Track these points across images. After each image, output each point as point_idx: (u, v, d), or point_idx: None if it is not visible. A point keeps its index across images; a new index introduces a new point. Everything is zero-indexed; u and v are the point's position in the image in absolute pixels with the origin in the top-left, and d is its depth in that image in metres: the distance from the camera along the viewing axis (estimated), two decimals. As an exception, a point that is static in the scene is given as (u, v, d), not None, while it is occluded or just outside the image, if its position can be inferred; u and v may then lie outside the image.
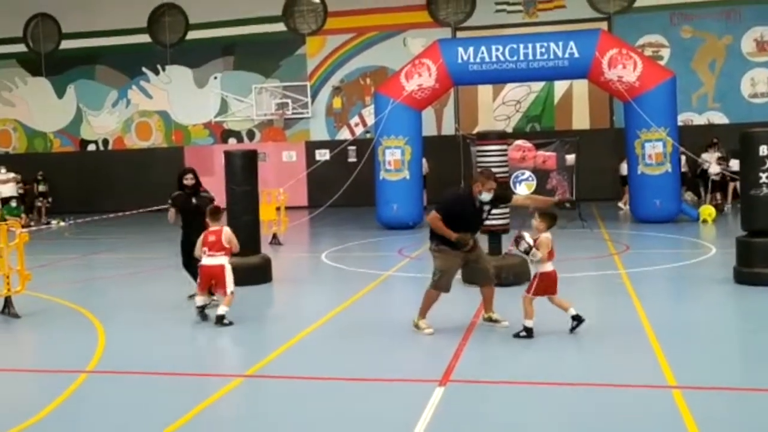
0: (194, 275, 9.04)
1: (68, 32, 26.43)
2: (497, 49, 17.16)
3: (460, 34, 23.35)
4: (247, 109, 25.18)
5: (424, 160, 18.78)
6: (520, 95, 23.67)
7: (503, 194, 7.76)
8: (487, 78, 18.28)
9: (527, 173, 16.59)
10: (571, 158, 16.68)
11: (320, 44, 24.88)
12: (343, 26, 24.55)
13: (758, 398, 5.58)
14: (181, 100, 25.80)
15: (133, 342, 7.92)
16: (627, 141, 17.27)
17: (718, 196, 19.61)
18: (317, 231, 18.69)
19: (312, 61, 24.94)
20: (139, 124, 26.34)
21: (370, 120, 22.16)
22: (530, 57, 17.03)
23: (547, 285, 7.23)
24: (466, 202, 7.50)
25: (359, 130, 24.37)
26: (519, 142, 16.96)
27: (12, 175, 21.96)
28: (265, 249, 12.25)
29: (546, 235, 7.22)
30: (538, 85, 23.15)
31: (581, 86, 22.47)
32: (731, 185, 19.43)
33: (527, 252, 7.26)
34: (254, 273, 10.79)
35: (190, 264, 9.32)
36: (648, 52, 22.09)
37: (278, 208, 15.62)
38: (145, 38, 25.88)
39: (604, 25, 22.13)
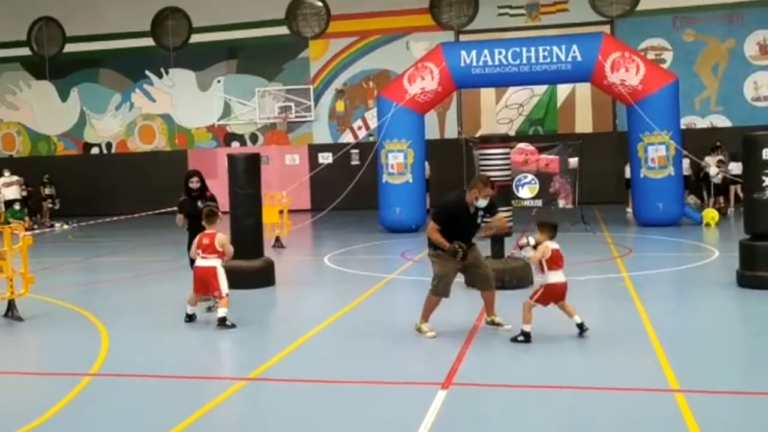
0: None
1: (72, 36, 26.50)
2: (500, 53, 17.17)
3: (462, 38, 23.36)
4: (250, 113, 25.22)
5: (426, 164, 18.78)
6: (522, 98, 23.68)
7: (493, 203, 7.74)
8: (489, 81, 18.29)
9: (530, 177, 16.59)
10: (573, 161, 16.68)
11: (323, 47, 24.92)
12: (346, 30, 24.59)
13: (761, 402, 5.58)
14: (185, 104, 25.85)
15: (136, 345, 7.93)
16: (630, 144, 17.26)
17: (721, 199, 19.60)
18: (320, 234, 18.70)
19: (315, 65, 24.98)
20: (142, 127, 26.40)
21: (373, 123, 22.18)
22: (533, 60, 17.05)
23: (551, 296, 7.24)
24: (462, 210, 7.51)
25: (362, 134, 24.38)
26: (522, 145, 16.96)
27: (16, 178, 22.00)
28: (268, 252, 12.25)
29: (548, 243, 7.23)
30: (540, 89, 23.15)
31: (584, 90, 22.48)
32: (732, 188, 19.41)
33: (522, 247, 7.32)
34: (257, 276, 10.80)
35: None
36: (651, 55, 22.09)
37: (281, 211, 15.62)
38: (148, 42, 25.94)
39: (606, 29, 22.14)
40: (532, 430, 5.17)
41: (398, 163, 17.49)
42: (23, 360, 7.88)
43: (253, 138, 25.62)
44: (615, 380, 6.12)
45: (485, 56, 17.22)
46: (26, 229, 10.82)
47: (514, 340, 7.25)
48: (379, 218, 17.98)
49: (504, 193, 10.12)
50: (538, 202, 16.68)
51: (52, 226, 21.90)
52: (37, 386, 6.76)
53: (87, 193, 25.45)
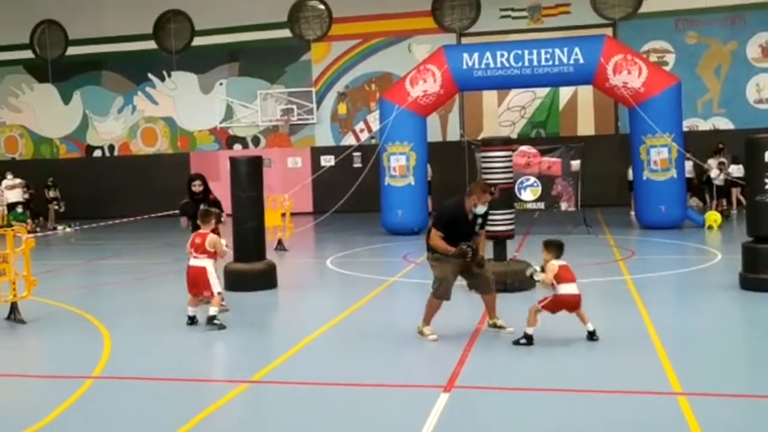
0: None
1: (74, 39, 26.55)
2: (502, 55, 17.18)
3: (465, 40, 23.36)
4: (252, 115, 25.24)
5: (428, 166, 18.78)
6: (525, 101, 23.68)
7: (486, 212, 7.74)
8: (491, 84, 18.29)
9: (532, 179, 16.58)
10: (576, 164, 16.67)
11: (325, 50, 24.94)
12: (348, 32, 24.61)
13: (764, 405, 5.57)
14: (187, 106, 25.88)
15: (138, 348, 7.94)
16: (632, 147, 17.25)
17: (724, 201, 19.57)
18: (322, 237, 18.70)
19: (317, 67, 25.00)
20: (144, 130, 26.43)
21: (375, 126, 22.19)
22: (535, 63, 17.05)
23: (560, 306, 7.22)
24: (461, 216, 7.52)
25: (364, 136, 24.40)
26: (524, 148, 16.95)
27: (18, 180, 22.02)
28: (270, 255, 12.26)
29: (554, 262, 7.24)
30: (543, 91, 23.16)
31: (586, 92, 22.47)
32: (733, 191, 19.39)
33: (531, 276, 7.40)
34: (259, 279, 10.81)
35: None
36: (653, 57, 22.08)
37: (283, 214, 15.63)
38: (151, 45, 25.98)
39: (609, 31, 22.14)
40: (534, 433, 5.16)
41: (400, 165, 17.50)
42: (26, 363, 7.89)
43: (256, 141, 25.64)
44: (617, 383, 6.11)
45: (487, 59, 17.22)
46: (29, 232, 10.83)
47: (516, 342, 7.25)
48: (381, 221, 17.98)
49: (506, 196, 10.11)
50: (541, 205, 16.67)
51: (54, 228, 21.92)
52: (40, 389, 6.77)
53: (89, 195, 25.46)
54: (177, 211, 10.00)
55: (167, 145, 26.29)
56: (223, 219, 9.57)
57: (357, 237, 17.55)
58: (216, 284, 8.43)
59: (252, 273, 10.77)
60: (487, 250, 8.27)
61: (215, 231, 9.33)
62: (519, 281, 9.77)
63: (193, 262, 8.51)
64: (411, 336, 7.71)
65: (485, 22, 23.74)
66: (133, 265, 14.37)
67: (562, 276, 7.17)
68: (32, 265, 9.35)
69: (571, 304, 7.23)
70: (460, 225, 7.50)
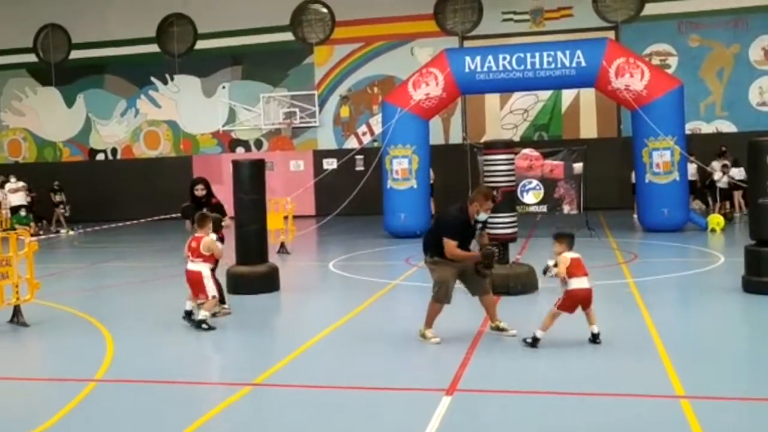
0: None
1: (78, 42, 26.62)
2: (504, 58, 17.20)
3: (467, 44, 23.39)
4: (255, 119, 25.27)
5: (430, 169, 18.78)
6: (527, 104, 23.68)
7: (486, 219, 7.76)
8: (494, 87, 18.31)
9: (534, 182, 16.59)
10: (578, 167, 16.67)
11: (328, 53, 24.96)
12: (350, 36, 24.63)
13: (767, 408, 5.56)
14: (190, 110, 25.92)
15: (141, 350, 7.95)
16: (634, 150, 17.24)
17: (727, 204, 19.55)
18: (325, 240, 18.71)
19: (320, 71, 25.03)
20: (147, 133, 26.47)
21: (378, 129, 22.21)
22: (537, 66, 17.06)
23: (574, 302, 7.21)
24: (466, 223, 7.53)
25: (367, 139, 24.41)
26: (526, 150, 16.96)
27: (21, 183, 22.06)
28: (273, 258, 12.27)
29: (566, 254, 7.24)
30: (545, 94, 23.15)
31: (589, 95, 22.47)
32: (735, 194, 19.37)
33: (545, 272, 7.36)
34: (262, 282, 10.82)
35: None
36: (655, 60, 22.08)
37: (286, 217, 15.65)
38: (153, 48, 26.03)
39: (611, 34, 22.14)
40: (536, 436, 5.16)
41: (403, 168, 17.50)
42: (28, 366, 7.90)
43: (258, 144, 25.67)
44: (620, 386, 6.11)
45: (490, 62, 17.24)
46: (32, 235, 10.85)
47: (524, 341, 7.26)
48: (383, 224, 17.99)
49: (509, 199, 10.11)
50: (543, 208, 16.67)
51: (57, 232, 21.95)
52: (43, 392, 6.77)
53: (92, 198, 25.48)
54: (179, 214, 10.02)
55: (170, 148, 26.33)
56: (225, 223, 9.58)
57: (359, 240, 17.55)
58: (212, 288, 8.53)
59: (254, 276, 10.78)
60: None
61: (219, 234, 9.37)
62: (522, 284, 9.77)
63: (190, 266, 8.61)
64: (413, 339, 7.71)
65: (487, 26, 23.76)
66: (137, 268, 14.39)
67: (574, 270, 7.16)
68: (35, 268, 9.38)
69: (583, 298, 7.20)
70: (466, 232, 7.53)
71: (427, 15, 24.18)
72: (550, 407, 5.71)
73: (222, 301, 9.40)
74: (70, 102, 26.84)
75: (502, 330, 7.77)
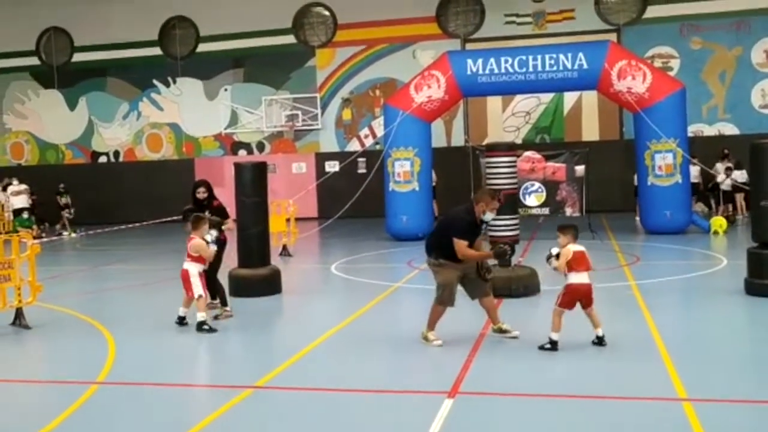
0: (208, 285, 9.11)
1: (80, 45, 26.66)
2: (506, 61, 17.20)
3: (469, 46, 23.40)
4: (257, 121, 25.29)
5: (432, 172, 18.77)
6: (529, 107, 23.68)
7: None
8: (496, 89, 18.31)
9: (537, 185, 16.58)
10: (580, 169, 16.67)
11: (330, 56, 24.99)
12: (352, 38, 24.66)
13: (770, 411, 5.56)
14: (192, 112, 25.94)
15: (143, 353, 7.95)
16: (637, 152, 17.23)
17: (730, 207, 19.53)
18: (327, 242, 18.71)
19: (322, 73, 25.05)
20: (149, 136, 26.50)
21: (380, 131, 22.19)
22: (539, 68, 17.06)
23: (574, 297, 7.20)
24: (473, 223, 7.55)
25: (369, 142, 24.41)
26: (528, 153, 16.96)
27: (24, 186, 22.09)
28: (275, 260, 12.27)
29: (570, 246, 7.23)
30: (547, 97, 23.14)
31: (591, 97, 22.46)
32: (738, 196, 19.35)
33: (548, 258, 7.33)
34: (264, 284, 10.82)
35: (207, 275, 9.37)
36: (657, 63, 22.08)
37: (288, 220, 15.65)
38: (156, 51, 26.06)
39: (613, 37, 22.14)
40: (538, 439, 5.15)
41: (405, 171, 17.50)
42: (30, 368, 7.89)
43: (260, 146, 25.68)
44: (622, 389, 6.10)
45: (492, 64, 17.24)
46: (34, 238, 10.86)
47: (542, 348, 7.23)
48: (385, 226, 17.99)
49: (511, 201, 10.12)
50: (545, 210, 16.67)
51: (60, 234, 21.96)
52: (44, 394, 6.77)
53: (95, 201, 25.49)
54: (181, 217, 10.02)
55: (172, 151, 26.35)
56: (226, 226, 9.57)
57: (361, 243, 17.55)
58: (198, 286, 8.63)
59: (256, 278, 10.78)
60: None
61: (223, 237, 9.39)
62: (524, 287, 9.76)
63: (183, 265, 8.83)
64: (415, 341, 7.70)
65: (490, 28, 23.76)
66: (139, 271, 14.40)
67: (574, 264, 7.15)
68: (37, 270, 9.38)
69: (582, 293, 7.18)
70: (473, 231, 7.53)
71: (429, 17, 24.19)
72: (553, 410, 5.70)
73: (224, 303, 9.41)
74: (72, 105, 26.88)
75: (505, 332, 7.77)
